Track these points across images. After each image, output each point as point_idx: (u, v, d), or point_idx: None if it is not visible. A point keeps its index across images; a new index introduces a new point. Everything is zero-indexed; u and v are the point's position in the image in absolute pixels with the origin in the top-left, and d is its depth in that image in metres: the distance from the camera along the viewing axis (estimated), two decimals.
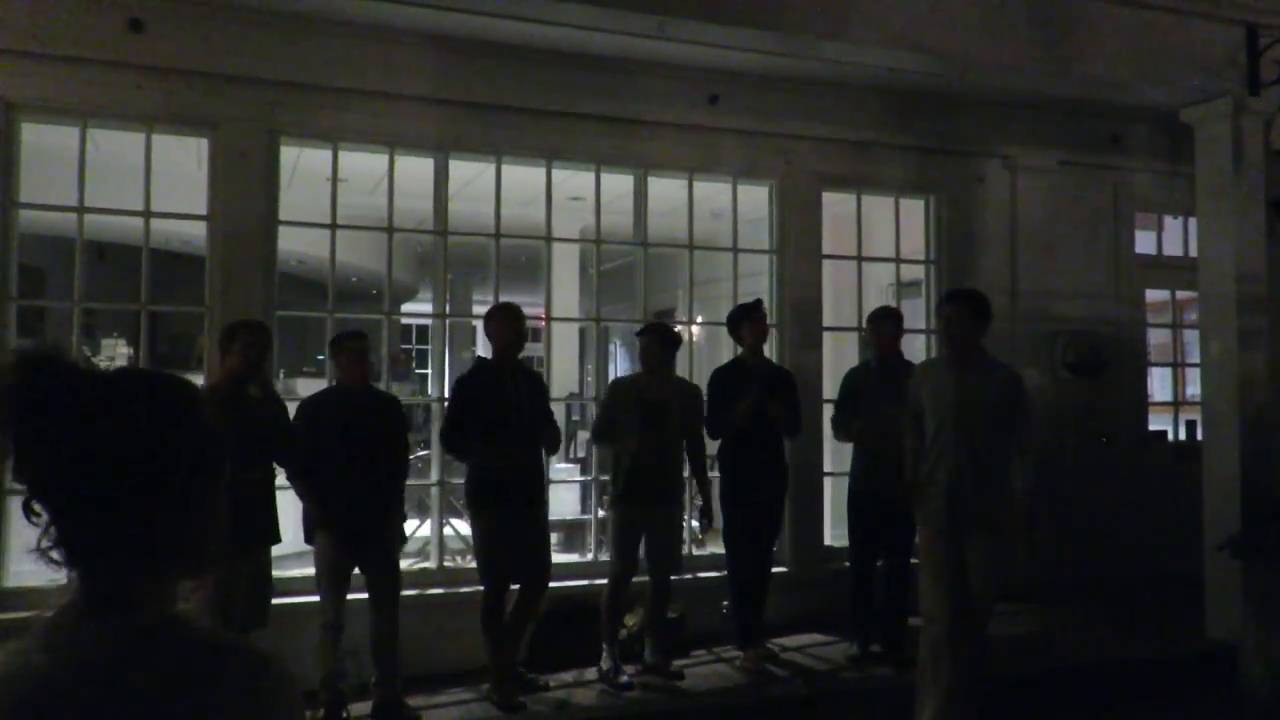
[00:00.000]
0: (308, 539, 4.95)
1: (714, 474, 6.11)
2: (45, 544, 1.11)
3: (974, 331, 4.76)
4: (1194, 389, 7.54)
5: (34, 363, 1.11)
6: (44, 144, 5.54)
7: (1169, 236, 8.14)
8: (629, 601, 5.66)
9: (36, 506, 1.11)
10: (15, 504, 4.89)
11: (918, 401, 4.89)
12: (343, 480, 4.79)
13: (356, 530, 4.81)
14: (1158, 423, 8.11)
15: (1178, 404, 8.22)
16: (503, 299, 5.94)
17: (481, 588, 5.16)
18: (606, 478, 5.83)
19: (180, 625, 1.12)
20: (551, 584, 5.59)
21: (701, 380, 6.02)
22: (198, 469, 1.16)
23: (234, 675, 1.07)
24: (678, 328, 6.27)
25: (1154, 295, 8.20)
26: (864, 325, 6.28)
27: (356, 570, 4.92)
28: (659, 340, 5.56)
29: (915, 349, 7.35)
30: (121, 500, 1.10)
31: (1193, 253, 6.96)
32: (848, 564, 6.01)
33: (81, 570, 1.12)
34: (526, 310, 5.45)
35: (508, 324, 5.22)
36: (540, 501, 5.32)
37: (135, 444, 1.11)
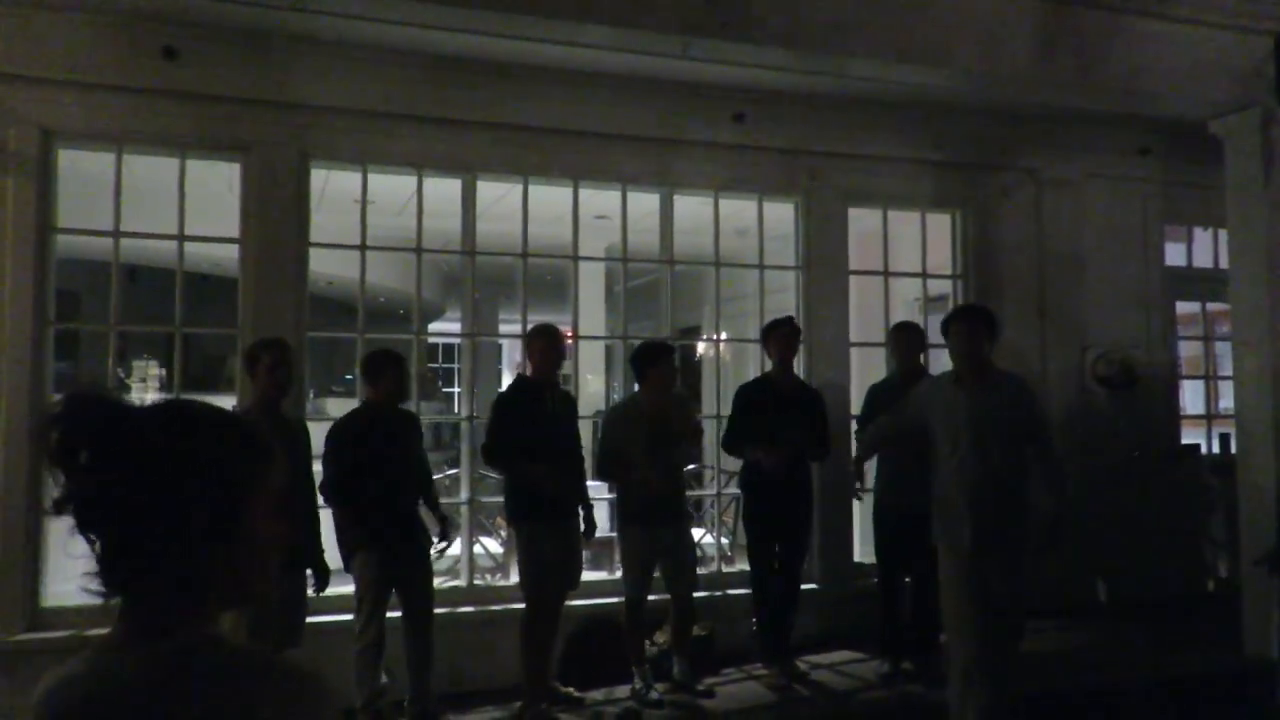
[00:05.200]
0: (346, 566, 4.99)
1: (736, 491, 6.06)
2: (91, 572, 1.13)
3: (984, 347, 4.67)
4: (1227, 402, 7.45)
5: (81, 401, 1.15)
6: (77, 169, 5.64)
7: (1199, 248, 8.07)
8: (657, 619, 5.66)
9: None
10: (53, 526, 4.97)
11: (920, 417, 4.79)
12: (384, 500, 4.90)
13: (398, 548, 4.90)
14: (1190, 436, 8.01)
15: (1210, 417, 8.12)
16: (530, 318, 5.99)
17: (517, 605, 5.20)
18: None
19: (219, 644, 1.13)
20: (582, 602, 5.61)
21: (727, 397, 6.04)
22: (240, 502, 1.17)
23: (273, 692, 1.09)
24: (700, 345, 6.31)
25: (1185, 308, 8.12)
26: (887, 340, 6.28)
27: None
28: (671, 361, 5.56)
29: (943, 364, 7.31)
30: (164, 534, 1.12)
31: (1223, 264, 6.89)
32: (874, 580, 5.99)
33: (124, 601, 1.14)
34: None
35: (548, 344, 5.28)
36: (574, 515, 5.33)
37: (178, 479, 1.13)
